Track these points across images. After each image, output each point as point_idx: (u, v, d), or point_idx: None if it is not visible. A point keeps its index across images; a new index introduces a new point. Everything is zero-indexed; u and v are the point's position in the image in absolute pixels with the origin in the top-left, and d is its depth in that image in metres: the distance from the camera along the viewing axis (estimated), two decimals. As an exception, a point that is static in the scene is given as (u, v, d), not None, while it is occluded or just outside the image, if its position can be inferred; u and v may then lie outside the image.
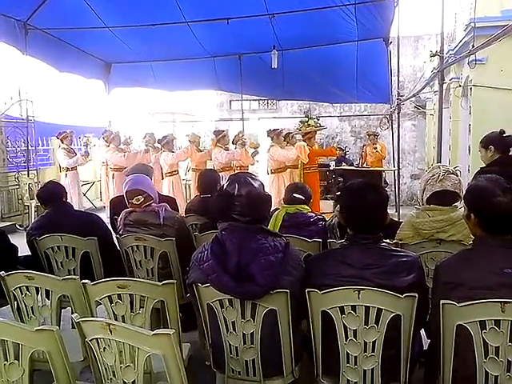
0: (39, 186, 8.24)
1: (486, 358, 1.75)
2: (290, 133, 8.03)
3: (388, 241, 2.50)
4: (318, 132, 9.45)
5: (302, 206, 3.35)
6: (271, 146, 7.46)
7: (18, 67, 8.55)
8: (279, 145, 7.40)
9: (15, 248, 3.25)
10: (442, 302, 1.78)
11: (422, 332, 2.31)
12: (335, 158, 11.04)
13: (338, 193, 2.31)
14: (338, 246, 2.45)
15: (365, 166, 10.05)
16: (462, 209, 2.64)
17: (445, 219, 2.67)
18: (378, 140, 10.02)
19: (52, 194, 3.41)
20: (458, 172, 2.83)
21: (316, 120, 10.13)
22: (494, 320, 1.71)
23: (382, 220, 2.08)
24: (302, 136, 7.84)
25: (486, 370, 1.76)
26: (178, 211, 4.06)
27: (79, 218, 3.41)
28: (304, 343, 2.18)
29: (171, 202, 4.12)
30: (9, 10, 6.88)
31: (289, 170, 7.48)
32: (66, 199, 3.51)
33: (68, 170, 7.91)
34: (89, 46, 8.53)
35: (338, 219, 2.46)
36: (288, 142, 7.64)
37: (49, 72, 9.24)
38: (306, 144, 7.26)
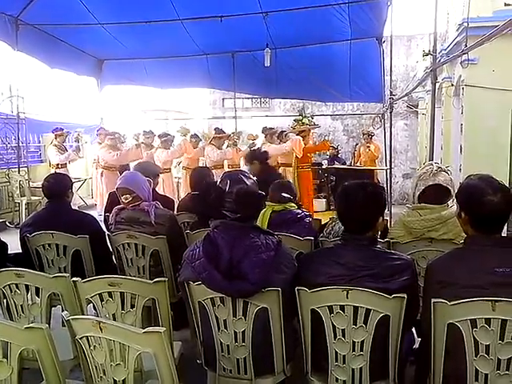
0: (30, 183, 8.20)
1: (476, 356, 1.76)
2: (283, 131, 8.03)
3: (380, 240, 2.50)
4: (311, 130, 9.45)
5: (289, 203, 3.35)
6: (263, 144, 7.46)
7: (8, 63, 8.46)
8: (271, 144, 7.42)
9: (5, 245, 3.21)
10: (433, 300, 1.79)
11: (414, 330, 2.32)
12: (328, 156, 11.07)
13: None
14: (331, 245, 2.46)
15: (358, 165, 10.06)
16: (454, 207, 2.67)
17: (435, 218, 2.68)
18: (372, 140, 10.04)
19: (52, 190, 3.33)
20: (449, 171, 2.84)
21: (310, 118, 10.12)
22: (485, 318, 1.72)
23: (373, 220, 2.06)
24: (296, 135, 7.84)
25: (476, 368, 1.77)
26: (174, 211, 4.05)
27: (73, 217, 3.35)
28: (296, 342, 2.18)
29: (168, 202, 4.10)
30: (-1, 5, 6.81)
31: (281, 168, 7.48)
32: (68, 196, 3.40)
33: (58, 167, 7.84)
34: (81, 42, 8.45)
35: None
36: (281, 141, 7.64)
37: (40, 68, 9.16)
38: (301, 138, 7.27)
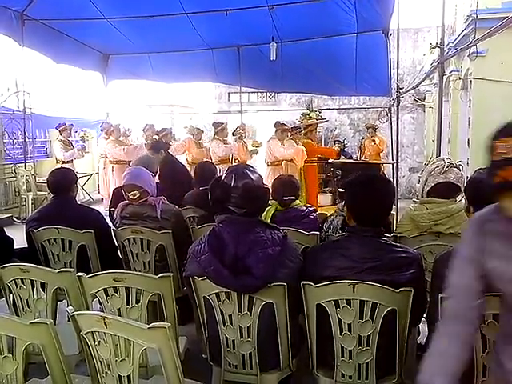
0: (36, 178, 8.23)
1: (483, 352, 1.74)
2: (297, 127, 7.95)
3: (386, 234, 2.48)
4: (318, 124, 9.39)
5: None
6: (272, 138, 7.42)
7: (14, 58, 8.47)
8: (281, 141, 7.38)
9: (11, 241, 3.22)
10: (440, 295, 1.77)
11: (421, 326, 2.31)
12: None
13: (343, 187, 2.23)
14: (337, 238, 2.44)
15: (363, 159, 10.02)
16: (462, 201, 2.64)
17: (443, 211, 2.66)
18: (376, 133, 9.98)
19: (57, 185, 3.33)
20: (461, 167, 2.82)
21: (318, 112, 10.05)
22: (493, 314, 1.70)
23: (389, 212, 2.09)
24: (304, 128, 7.79)
25: (484, 364, 1.75)
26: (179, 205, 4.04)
27: (79, 212, 3.34)
28: (302, 336, 2.17)
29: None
30: (5, 1, 6.80)
31: (285, 162, 7.45)
32: (73, 191, 3.39)
33: (64, 162, 7.88)
34: (86, 37, 8.43)
35: (345, 216, 2.27)
36: (292, 138, 7.58)
37: (46, 63, 9.16)
38: (304, 149, 7.22)
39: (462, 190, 2.61)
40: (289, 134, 7.45)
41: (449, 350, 1.38)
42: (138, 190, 3.19)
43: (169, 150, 5.72)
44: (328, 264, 2.01)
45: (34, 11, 7.22)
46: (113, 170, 7.99)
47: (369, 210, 2.01)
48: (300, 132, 7.76)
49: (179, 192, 4.30)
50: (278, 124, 7.46)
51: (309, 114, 9.16)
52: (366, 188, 2.05)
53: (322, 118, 9.60)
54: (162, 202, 3.26)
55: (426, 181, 2.79)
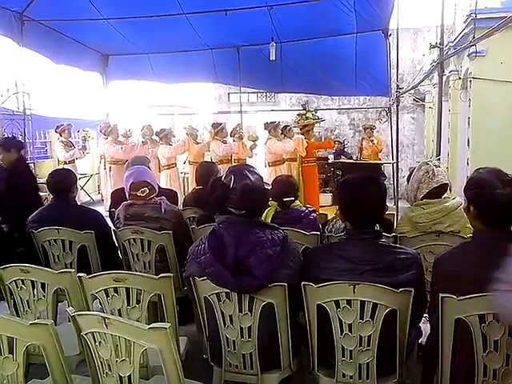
0: (36, 179, 8.21)
1: (485, 352, 1.74)
2: (287, 126, 8.00)
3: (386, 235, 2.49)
4: (316, 124, 9.38)
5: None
6: (268, 138, 7.43)
7: (14, 59, 8.46)
8: (276, 137, 7.37)
9: (13, 239, 3.22)
10: (441, 295, 1.77)
11: (422, 325, 2.31)
12: (334, 150, 11.02)
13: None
14: (337, 240, 2.44)
15: (362, 159, 10.01)
16: (457, 199, 2.68)
17: (440, 210, 2.71)
18: (373, 133, 9.99)
19: (57, 186, 3.33)
20: (439, 161, 2.96)
21: (314, 112, 10.06)
22: (494, 313, 1.70)
23: (382, 214, 2.08)
24: (300, 129, 7.79)
25: (484, 364, 1.75)
26: (178, 204, 4.04)
27: (79, 213, 3.35)
28: (302, 336, 2.17)
29: (171, 195, 4.10)
30: (4, 1, 6.79)
31: (286, 162, 7.45)
32: (73, 191, 3.39)
33: (66, 162, 7.88)
34: (86, 37, 8.43)
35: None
36: (285, 135, 7.61)
37: (46, 64, 9.15)
38: (304, 137, 7.23)
39: (450, 185, 2.77)
40: (279, 131, 7.47)
41: None
42: (147, 187, 3.20)
43: (21, 152, 4.92)
44: (328, 266, 2.01)
45: (34, 12, 7.21)
46: (110, 170, 7.97)
47: (358, 214, 2.03)
48: (291, 129, 7.78)
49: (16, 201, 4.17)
50: (267, 125, 7.49)
51: (305, 114, 9.12)
52: (353, 193, 2.06)
53: (319, 118, 9.58)
54: (165, 202, 3.26)
55: (418, 188, 2.84)
